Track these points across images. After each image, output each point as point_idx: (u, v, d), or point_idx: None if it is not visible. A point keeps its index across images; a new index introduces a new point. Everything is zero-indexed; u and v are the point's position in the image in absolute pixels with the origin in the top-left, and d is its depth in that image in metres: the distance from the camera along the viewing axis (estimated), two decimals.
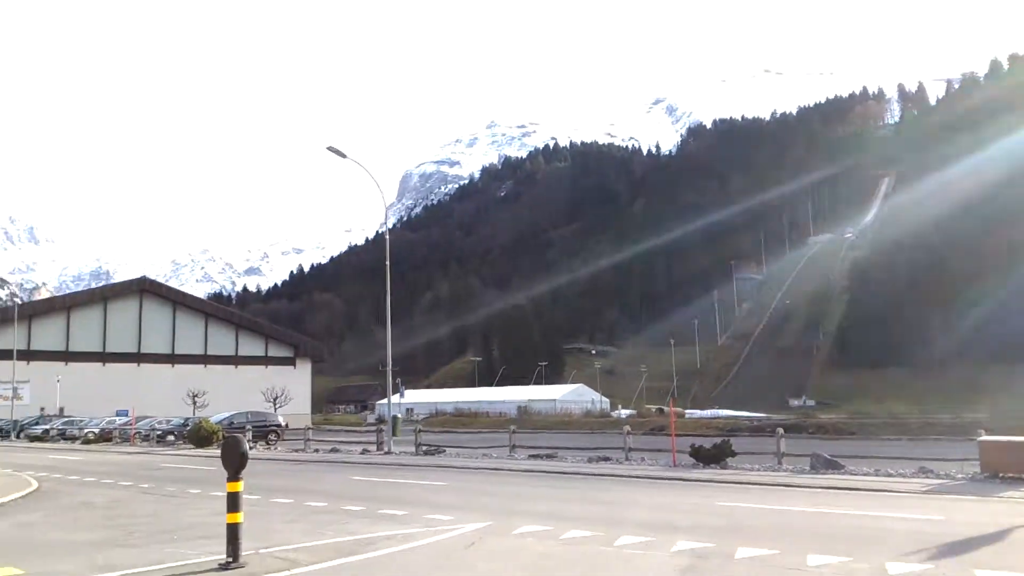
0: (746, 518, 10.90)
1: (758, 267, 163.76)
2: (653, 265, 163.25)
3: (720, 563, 7.71)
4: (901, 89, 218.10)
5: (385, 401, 65.39)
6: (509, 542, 9.10)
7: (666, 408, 62.05)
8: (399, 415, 28.39)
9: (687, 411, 68.38)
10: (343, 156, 27.81)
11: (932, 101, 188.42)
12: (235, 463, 8.06)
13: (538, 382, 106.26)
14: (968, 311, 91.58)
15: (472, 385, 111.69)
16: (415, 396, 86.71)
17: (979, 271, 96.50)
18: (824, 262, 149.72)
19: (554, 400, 79.96)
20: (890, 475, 15.61)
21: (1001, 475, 14.78)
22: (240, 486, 7.97)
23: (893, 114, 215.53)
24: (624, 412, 65.62)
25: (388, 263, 27.29)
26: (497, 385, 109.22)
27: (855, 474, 15.95)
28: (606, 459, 19.93)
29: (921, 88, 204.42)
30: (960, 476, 15.35)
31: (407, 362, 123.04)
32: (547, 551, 8.56)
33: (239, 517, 7.88)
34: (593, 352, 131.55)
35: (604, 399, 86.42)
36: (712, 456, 17.53)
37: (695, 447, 18.00)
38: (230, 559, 7.76)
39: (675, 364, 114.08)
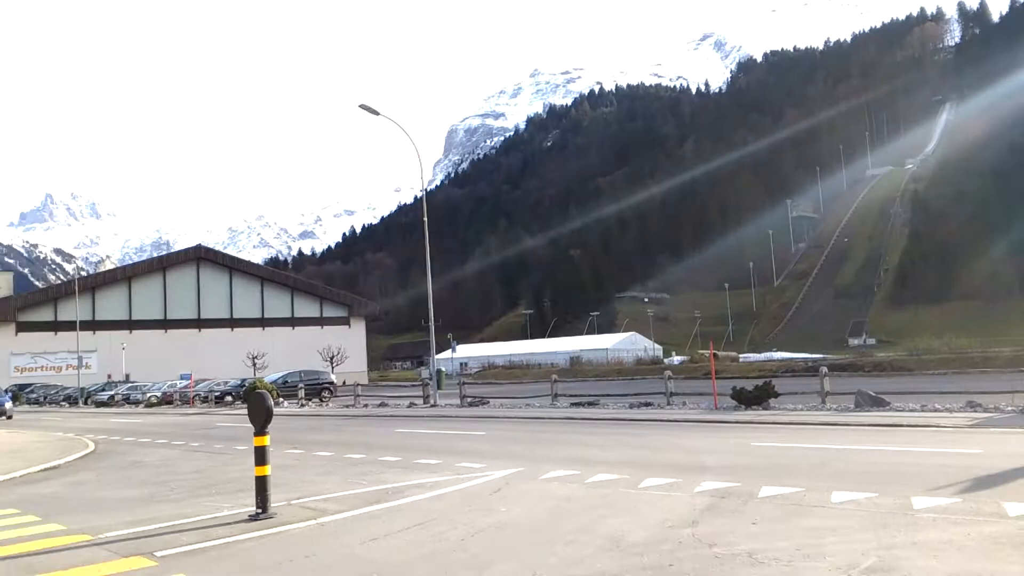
0: (778, 457, 10.77)
1: (815, 204, 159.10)
2: (706, 208, 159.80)
3: (741, 502, 7.65)
4: (961, 7, 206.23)
5: (439, 356, 66.49)
6: (534, 487, 9.19)
7: (717, 353, 61.50)
8: (443, 369, 28.81)
9: (742, 355, 67.64)
10: (376, 113, 27.80)
11: (995, 18, 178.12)
12: (261, 418, 8.27)
13: (591, 332, 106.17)
14: None
15: (525, 338, 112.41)
16: (467, 350, 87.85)
17: None
18: (884, 195, 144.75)
19: (606, 349, 79.97)
20: (936, 410, 15.21)
21: None
22: (267, 440, 8.18)
23: (953, 35, 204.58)
24: (677, 359, 65.29)
25: (425, 219, 27.41)
26: (549, 336, 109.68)
27: (900, 410, 15.58)
28: (647, 404, 19.90)
29: (983, 5, 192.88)
30: (1009, 409, 14.85)
31: (460, 317, 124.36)
32: (570, 494, 8.62)
33: (267, 470, 8.12)
34: (646, 300, 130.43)
35: (656, 346, 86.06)
36: (753, 398, 17.32)
37: (736, 389, 17.80)
38: (259, 510, 8.03)
39: (730, 308, 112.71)
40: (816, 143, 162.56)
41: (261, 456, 8.14)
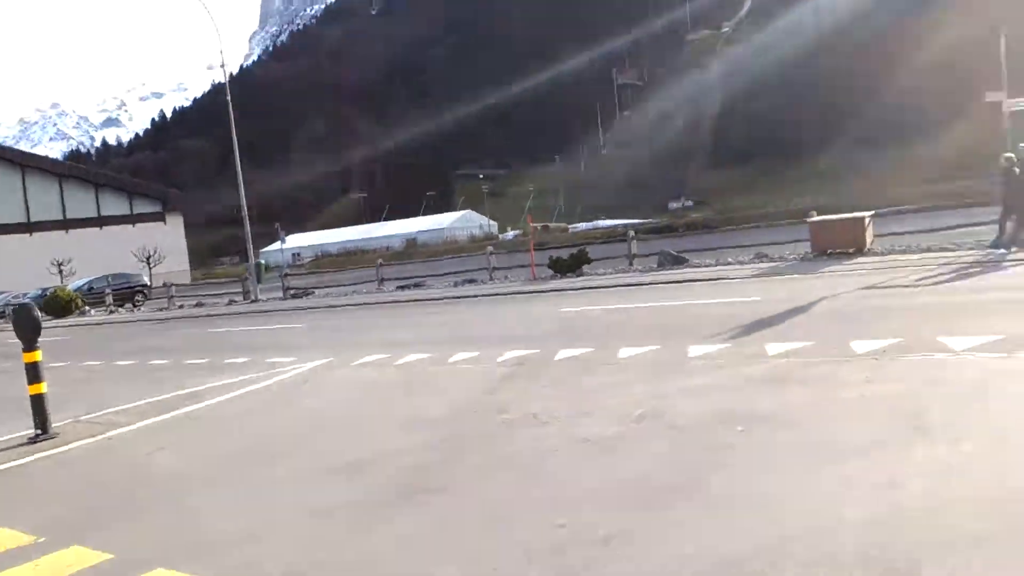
0: (580, 321, 11.31)
1: (640, 72, 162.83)
2: (537, 81, 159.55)
3: (537, 367, 7.98)
4: None
5: (269, 248, 63.86)
6: (344, 374, 9.14)
7: (549, 225, 63.36)
8: (264, 261, 27.72)
9: (572, 225, 70.07)
10: None
11: None
12: (28, 333, 7.68)
13: (428, 212, 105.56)
14: (840, 97, 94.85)
15: (360, 223, 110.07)
16: (299, 240, 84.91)
17: (855, 56, 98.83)
18: (702, 60, 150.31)
19: (442, 229, 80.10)
20: (728, 264, 16.49)
21: (829, 252, 15.82)
22: (39, 355, 7.63)
23: None
24: (511, 233, 66.65)
25: (228, 97, 25.23)
26: (386, 220, 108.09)
27: (697, 266, 16.76)
28: (471, 281, 20.23)
29: None
30: (792, 257, 16.35)
31: (289, 205, 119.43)
32: (379, 378, 8.66)
33: (42, 388, 7.61)
34: (481, 176, 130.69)
35: (492, 223, 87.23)
36: (568, 266, 17.99)
37: (553, 259, 18.39)
38: (39, 431, 7.52)
39: (563, 179, 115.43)
40: (642, 10, 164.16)
41: (34, 373, 7.61)
